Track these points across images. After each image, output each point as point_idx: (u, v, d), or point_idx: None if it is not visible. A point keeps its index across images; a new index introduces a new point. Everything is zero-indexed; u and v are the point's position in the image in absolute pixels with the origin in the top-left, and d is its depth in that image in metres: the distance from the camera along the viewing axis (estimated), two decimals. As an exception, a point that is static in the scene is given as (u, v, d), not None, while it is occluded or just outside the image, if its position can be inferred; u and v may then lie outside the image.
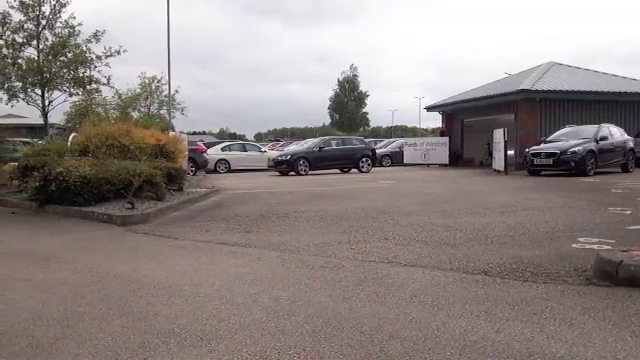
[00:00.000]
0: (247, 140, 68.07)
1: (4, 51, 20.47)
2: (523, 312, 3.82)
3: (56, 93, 21.79)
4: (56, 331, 3.62)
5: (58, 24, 20.99)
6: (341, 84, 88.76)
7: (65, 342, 3.42)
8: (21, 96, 21.16)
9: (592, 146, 17.65)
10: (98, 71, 21.96)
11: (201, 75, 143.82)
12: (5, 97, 20.85)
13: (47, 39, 21.08)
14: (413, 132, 75.72)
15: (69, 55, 21.16)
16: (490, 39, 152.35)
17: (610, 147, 18.39)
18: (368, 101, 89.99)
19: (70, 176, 9.42)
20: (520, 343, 3.24)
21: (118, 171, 10.01)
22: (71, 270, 5.47)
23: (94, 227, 8.38)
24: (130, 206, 9.12)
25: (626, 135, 19.83)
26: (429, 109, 31.80)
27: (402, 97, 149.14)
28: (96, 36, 21.49)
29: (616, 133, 19.24)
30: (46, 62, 20.71)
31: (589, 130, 18.80)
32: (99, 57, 21.60)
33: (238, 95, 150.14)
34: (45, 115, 21.82)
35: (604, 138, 18.25)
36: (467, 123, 28.37)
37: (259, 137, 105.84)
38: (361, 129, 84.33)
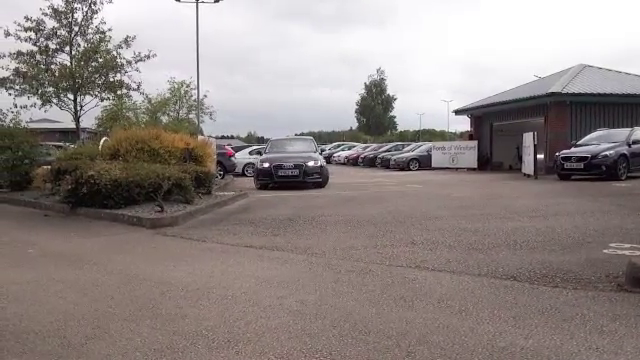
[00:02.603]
0: (274, 144, 68.24)
1: (37, 57, 20.92)
2: (552, 318, 3.77)
3: (87, 98, 22.14)
4: (87, 331, 3.69)
5: (90, 30, 21.38)
6: (368, 88, 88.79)
7: (95, 342, 3.49)
8: (54, 101, 21.57)
9: (624, 150, 17.27)
10: (128, 76, 22.28)
11: (230, 79, 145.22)
12: (39, 102, 21.27)
13: (79, 45, 21.48)
14: (441, 136, 75.11)
15: (100, 60, 21.53)
16: (520, 41, 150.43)
17: (643, 151, 17.96)
18: (395, 105, 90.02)
19: (101, 179, 9.59)
20: (549, 350, 3.19)
21: (148, 174, 10.16)
22: (102, 272, 5.57)
23: (124, 229, 8.52)
24: (159, 209, 9.25)
25: (659, 138, 19.34)
26: (457, 112, 31.56)
27: (430, 100, 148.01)
28: (127, 42, 21.81)
29: (649, 137, 18.79)
30: (78, 68, 21.10)
31: (621, 133, 18.41)
32: (129, 62, 21.91)
33: (266, 99, 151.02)
34: (77, 120, 22.21)
35: (637, 142, 17.82)
36: (496, 127, 28.05)
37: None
38: (388, 133, 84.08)
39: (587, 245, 6.33)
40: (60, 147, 18.93)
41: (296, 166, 16.18)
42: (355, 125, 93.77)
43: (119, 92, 22.71)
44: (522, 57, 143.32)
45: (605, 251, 5.91)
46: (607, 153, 17.01)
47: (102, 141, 14.60)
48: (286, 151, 17.73)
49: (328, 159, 36.31)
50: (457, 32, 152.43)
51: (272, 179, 16.24)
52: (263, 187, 16.67)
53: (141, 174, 10.11)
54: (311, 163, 16.48)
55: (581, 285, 4.61)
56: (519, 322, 3.70)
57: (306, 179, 16.16)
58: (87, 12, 21.19)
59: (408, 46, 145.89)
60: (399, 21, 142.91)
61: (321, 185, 16.40)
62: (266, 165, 16.46)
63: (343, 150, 43.63)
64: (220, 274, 5.36)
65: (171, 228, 8.45)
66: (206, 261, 6.02)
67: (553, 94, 22.08)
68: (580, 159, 17.38)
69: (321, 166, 16.81)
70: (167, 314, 4.05)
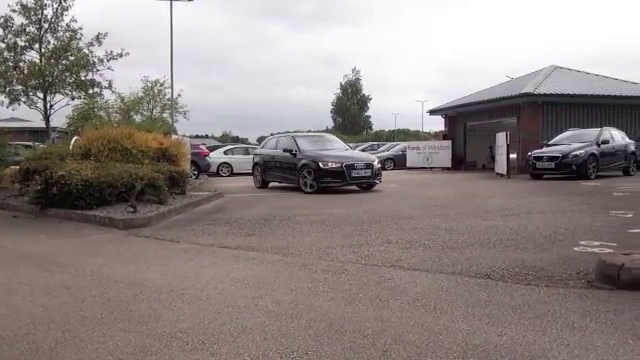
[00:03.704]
0: (250, 144, 68.10)
1: (5, 54, 20.50)
2: (525, 315, 3.81)
3: (58, 97, 21.79)
4: (57, 336, 3.61)
5: (60, 27, 21.01)
6: (344, 87, 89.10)
7: (65, 347, 3.42)
8: (23, 100, 21.17)
9: (594, 150, 17.64)
10: (100, 74, 21.96)
11: (205, 78, 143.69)
12: (7, 101, 20.86)
13: (49, 42, 21.11)
14: (416, 136, 75.58)
15: (71, 58, 21.17)
16: (497, 43, 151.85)
17: (611, 151, 18.37)
18: (371, 104, 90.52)
19: (72, 179, 9.42)
20: (522, 347, 3.23)
21: (120, 174, 10.02)
22: (72, 274, 5.47)
23: (96, 231, 8.39)
24: (132, 209, 9.12)
25: (627, 139, 19.80)
26: (432, 112, 31.80)
27: (406, 100, 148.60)
28: (98, 39, 21.49)
29: (617, 137, 19.23)
30: (48, 66, 20.73)
31: (591, 134, 18.80)
32: (101, 60, 21.59)
33: (242, 98, 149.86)
34: (47, 119, 21.82)
35: (605, 142, 18.24)
36: (470, 127, 28.35)
37: (262, 140, 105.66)
38: (364, 132, 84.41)
39: (559, 243, 6.43)
40: (29, 147, 18.57)
41: (367, 166, 14.58)
42: (331, 125, 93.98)
43: (91, 91, 22.37)
44: (499, 58, 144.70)
45: (576, 249, 6.01)
46: (577, 153, 17.35)
47: (73, 140, 14.35)
48: (325, 148, 15.69)
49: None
50: (435, 33, 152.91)
51: (345, 180, 14.22)
52: (263, 186, 16.31)
53: (113, 174, 9.97)
54: (376, 162, 15.22)
55: (553, 282, 4.67)
56: (493, 320, 3.73)
57: (375, 179, 14.80)
58: (57, 9, 20.84)
59: (385, 46, 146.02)
60: (376, 21, 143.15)
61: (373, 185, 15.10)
62: (334, 165, 14.17)
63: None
64: (195, 275, 5.30)
65: (144, 229, 8.34)
66: (180, 262, 5.95)
67: (525, 95, 22.41)
68: (551, 159, 17.68)
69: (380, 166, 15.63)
70: (140, 316, 3.99)
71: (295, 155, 15.05)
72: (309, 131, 55.74)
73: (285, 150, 15.40)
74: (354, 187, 14.79)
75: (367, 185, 14.86)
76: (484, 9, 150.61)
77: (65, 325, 3.82)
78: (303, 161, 14.68)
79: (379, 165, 15.36)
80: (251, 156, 26.97)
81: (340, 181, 14.23)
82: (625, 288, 4.34)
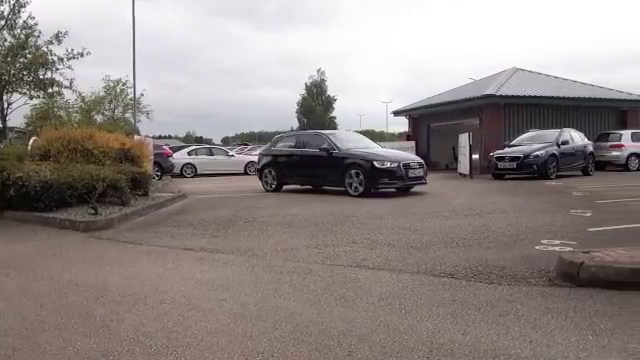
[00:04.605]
0: (214, 144, 67.56)
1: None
2: (489, 314, 3.87)
3: (15, 96, 21.24)
4: (14, 343, 3.50)
5: (17, 24, 20.46)
6: (309, 88, 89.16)
7: (24, 353, 3.32)
8: (-23, 99, 20.58)
9: (554, 150, 18.10)
10: (60, 73, 21.48)
11: (169, 78, 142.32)
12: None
13: (5, 40, 20.54)
14: (381, 136, 76.15)
15: (29, 57, 20.64)
16: (463, 44, 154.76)
17: (571, 151, 18.87)
18: (336, 105, 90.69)
19: (30, 181, 9.16)
20: (486, 344, 3.27)
21: (81, 176, 9.79)
22: (31, 278, 5.31)
23: (55, 233, 8.17)
24: (93, 211, 8.93)
25: (586, 139, 20.40)
26: (396, 113, 32.11)
27: (371, 101, 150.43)
28: (58, 37, 21.02)
29: (577, 137, 19.78)
30: (4, 64, 20.16)
31: (551, 134, 19.28)
32: (61, 59, 21.12)
33: (207, 98, 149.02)
34: (3, 118, 21.26)
35: (565, 142, 18.74)
36: (433, 127, 28.71)
37: (226, 141, 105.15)
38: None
39: (520, 242, 6.55)
40: (-15, 147, 18.01)
41: (420, 165, 13.56)
42: (296, 125, 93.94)
43: (50, 90, 21.86)
44: (463, 60, 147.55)
45: (537, 247, 6.14)
46: (538, 153, 17.77)
47: (31, 141, 13.97)
48: (360, 146, 14.38)
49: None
50: (400, 35, 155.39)
51: (403, 181, 12.90)
52: (277, 189, 14.78)
53: (74, 175, 9.74)
54: (423, 162, 14.15)
55: (515, 281, 4.76)
56: (457, 318, 3.78)
57: (425, 179, 13.75)
58: (14, 5, 20.29)
59: (350, 47, 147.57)
60: (342, 22, 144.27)
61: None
62: (391, 164, 12.79)
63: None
64: (158, 278, 5.21)
65: (106, 231, 8.17)
66: (143, 265, 5.85)
67: (487, 96, 22.83)
68: (513, 159, 18.06)
69: None
70: (102, 321, 3.90)
71: (332, 154, 13.60)
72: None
73: (321, 149, 13.85)
74: (320, 188, 14.67)
75: (406, 187, 13.44)
76: (449, 11, 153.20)
77: (23, 331, 3.71)
78: (349, 160, 13.15)
79: (425, 165, 14.12)
80: (216, 157, 27.04)
81: (397, 182, 12.88)
82: (585, 285, 4.45)
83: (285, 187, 15.05)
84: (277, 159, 15.12)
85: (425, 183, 13.72)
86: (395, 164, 12.79)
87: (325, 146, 13.82)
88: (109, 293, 4.64)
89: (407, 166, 13.00)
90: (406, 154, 14.50)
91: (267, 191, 14.94)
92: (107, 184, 9.83)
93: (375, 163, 12.70)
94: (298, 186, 15.09)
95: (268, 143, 17.80)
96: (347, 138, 15.00)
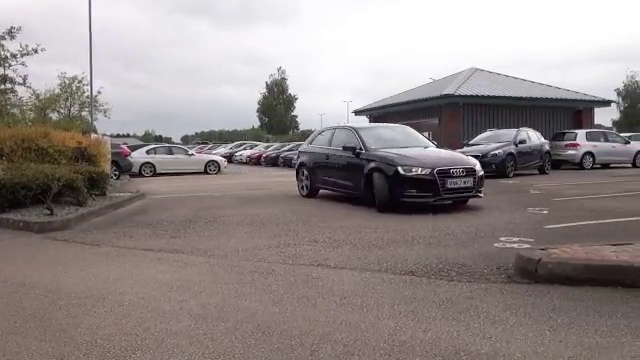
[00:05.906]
0: (173, 143, 66.64)
1: None
2: (449, 311, 3.92)
3: (-34, 93, 20.51)
4: (-35, 347, 3.38)
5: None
6: (269, 87, 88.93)
7: (-25, 359, 3.20)
8: None
9: (512, 149, 18.49)
10: (13, 70, 20.82)
11: (127, 75, 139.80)
12: None
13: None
14: (341, 135, 76.39)
15: (-20, 52, 19.99)
16: (424, 44, 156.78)
17: (528, 150, 19.31)
18: (297, 104, 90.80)
19: (-19, 181, 8.87)
20: (447, 341, 3.31)
21: (35, 175, 9.51)
22: (-18, 281, 5.13)
23: (9, 235, 7.92)
24: (49, 212, 8.69)
25: (543, 139, 20.91)
26: (357, 113, 32.36)
27: (332, 101, 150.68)
28: (10, 33, 20.36)
29: (534, 137, 20.24)
30: (-46, 59, 19.47)
31: (509, 134, 19.68)
32: (14, 55, 20.48)
33: (165, 97, 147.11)
34: (-47, 116, 20.48)
35: (523, 141, 19.17)
36: (394, 127, 28.90)
37: (186, 140, 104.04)
38: (290, 132, 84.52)
39: (480, 240, 6.66)
40: None
41: (468, 172, 9.83)
42: (257, 124, 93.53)
43: (2, 87, 21.17)
44: (424, 60, 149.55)
45: (496, 245, 6.25)
46: (496, 152, 18.12)
47: (-17, 140, 13.52)
48: (401, 145, 10.98)
49: (230, 158, 35.84)
50: (360, 35, 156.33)
51: (437, 194, 9.41)
52: (311, 195, 12.44)
53: (28, 175, 9.46)
54: (479, 166, 10.32)
55: (475, 278, 4.83)
56: (418, 316, 3.81)
57: (478, 192, 10.05)
58: (-36, -1, 19.57)
59: (311, 46, 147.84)
60: (303, 21, 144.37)
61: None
62: (421, 170, 9.45)
63: (245, 149, 43.19)
64: (116, 279, 5.10)
65: (62, 232, 7.96)
66: (101, 266, 5.72)
67: (446, 96, 23.21)
68: (471, 158, 18.31)
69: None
70: (58, 324, 3.79)
71: (358, 155, 10.69)
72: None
73: (345, 148, 11.02)
74: (285, 187, 14.60)
75: (463, 200, 10.27)
76: (410, 12, 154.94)
77: (-27, 336, 3.57)
78: (371, 164, 10.15)
79: (482, 171, 10.34)
80: (175, 156, 26.66)
81: (430, 195, 9.42)
82: (542, 282, 4.56)
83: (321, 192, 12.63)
84: (311, 158, 12.75)
85: (475, 196, 10.10)
86: (426, 170, 9.42)
87: (351, 144, 10.98)
88: (65, 295, 4.52)
89: (445, 174, 9.47)
90: (457, 157, 10.75)
91: (302, 196, 12.72)
92: (63, 184, 9.58)
93: (400, 169, 9.51)
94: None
95: (309, 136, 14.78)
96: (383, 135, 11.72)
